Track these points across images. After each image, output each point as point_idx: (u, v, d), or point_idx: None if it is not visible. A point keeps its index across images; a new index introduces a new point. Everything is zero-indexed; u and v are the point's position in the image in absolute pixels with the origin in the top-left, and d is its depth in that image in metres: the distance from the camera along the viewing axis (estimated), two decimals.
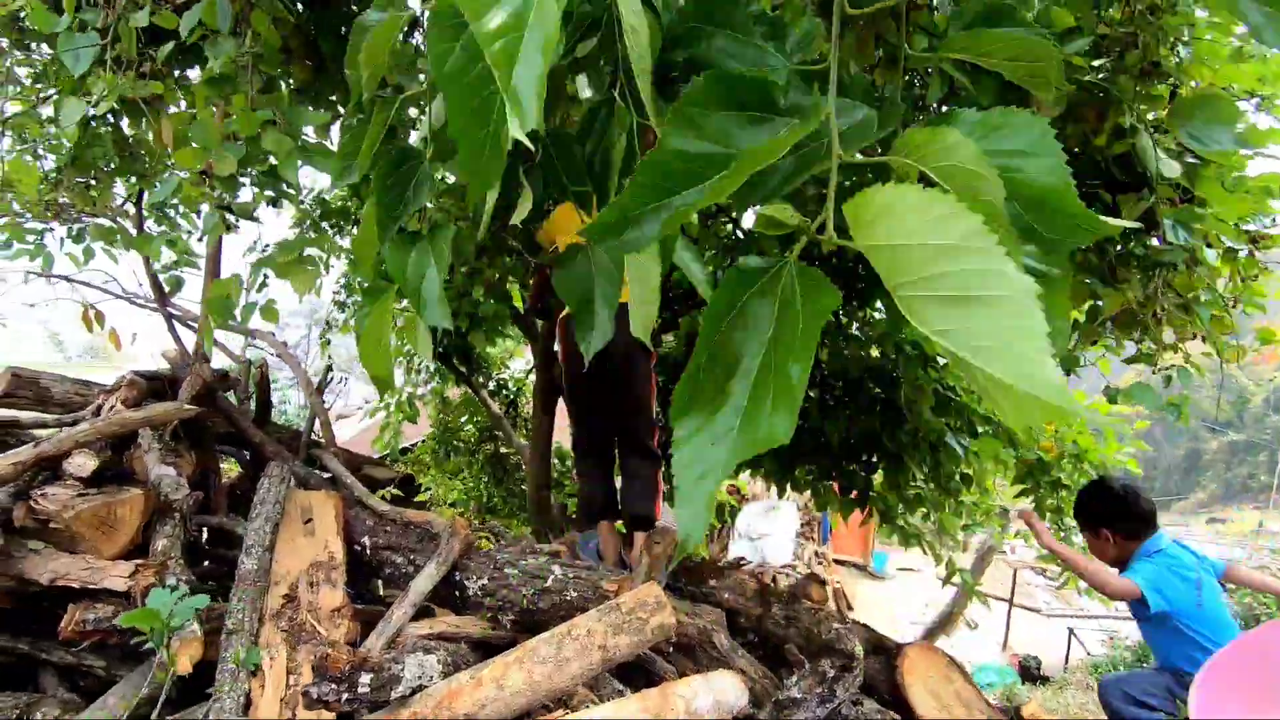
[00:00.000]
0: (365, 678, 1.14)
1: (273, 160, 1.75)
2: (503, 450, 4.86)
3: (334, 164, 1.26)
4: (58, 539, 1.53)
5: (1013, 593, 9.31)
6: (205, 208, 1.82)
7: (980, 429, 3.35)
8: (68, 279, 2.83)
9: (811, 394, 3.66)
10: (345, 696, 1.12)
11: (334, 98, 2.25)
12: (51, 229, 3.00)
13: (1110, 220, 0.62)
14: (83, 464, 1.50)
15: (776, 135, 0.63)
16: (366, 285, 1.27)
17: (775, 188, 0.68)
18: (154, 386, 1.93)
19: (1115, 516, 2.28)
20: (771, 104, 0.66)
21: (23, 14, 2.14)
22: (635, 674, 1.68)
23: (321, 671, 1.15)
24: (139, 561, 1.41)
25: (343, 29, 2.13)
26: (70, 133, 1.62)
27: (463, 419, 4.73)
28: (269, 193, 1.91)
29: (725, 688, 1.30)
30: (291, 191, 1.90)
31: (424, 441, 4.89)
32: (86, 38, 1.44)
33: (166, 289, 2.86)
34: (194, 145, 1.42)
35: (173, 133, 1.72)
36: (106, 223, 2.79)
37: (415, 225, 1.22)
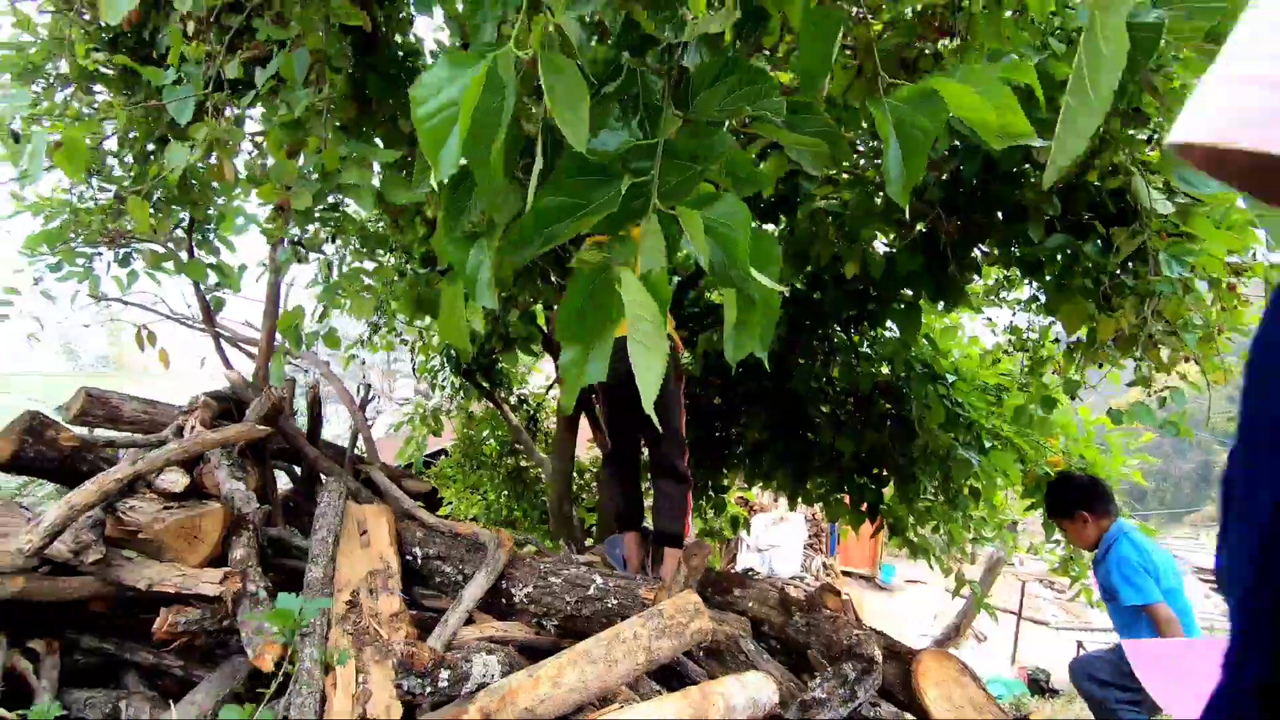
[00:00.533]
0: (444, 674, 1.28)
1: (332, 198, 1.91)
2: (523, 464, 5.00)
3: (416, 171, 1.41)
4: (145, 549, 1.67)
5: (1021, 606, 9.35)
6: (254, 237, 1.98)
7: (989, 444, 3.47)
8: (125, 301, 3.00)
9: (824, 409, 3.80)
10: (428, 689, 1.26)
11: (378, 134, 2.41)
12: (100, 253, 3.18)
13: (769, 282, 0.79)
14: (175, 480, 1.65)
15: (615, 191, 0.82)
16: (445, 273, 1.45)
17: (617, 224, 0.86)
18: (223, 407, 2.08)
19: (1089, 499, 2.58)
20: (612, 171, 0.84)
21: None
22: (669, 676, 1.81)
23: (407, 668, 1.29)
24: (227, 569, 1.56)
25: (392, 71, 2.31)
26: (173, 177, 1.76)
27: (484, 433, 4.88)
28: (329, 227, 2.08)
29: (759, 686, 1.43)
30: (351, 224, 2.06)
31: (446, 455, 5.03)
32: (187, 89, 1.59)
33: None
34: (273, 183, 1.58)
35: (233, 170, 1.89)
36: (159, 249, 2.96)
37: (472, 228, 1.40)
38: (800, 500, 4.32)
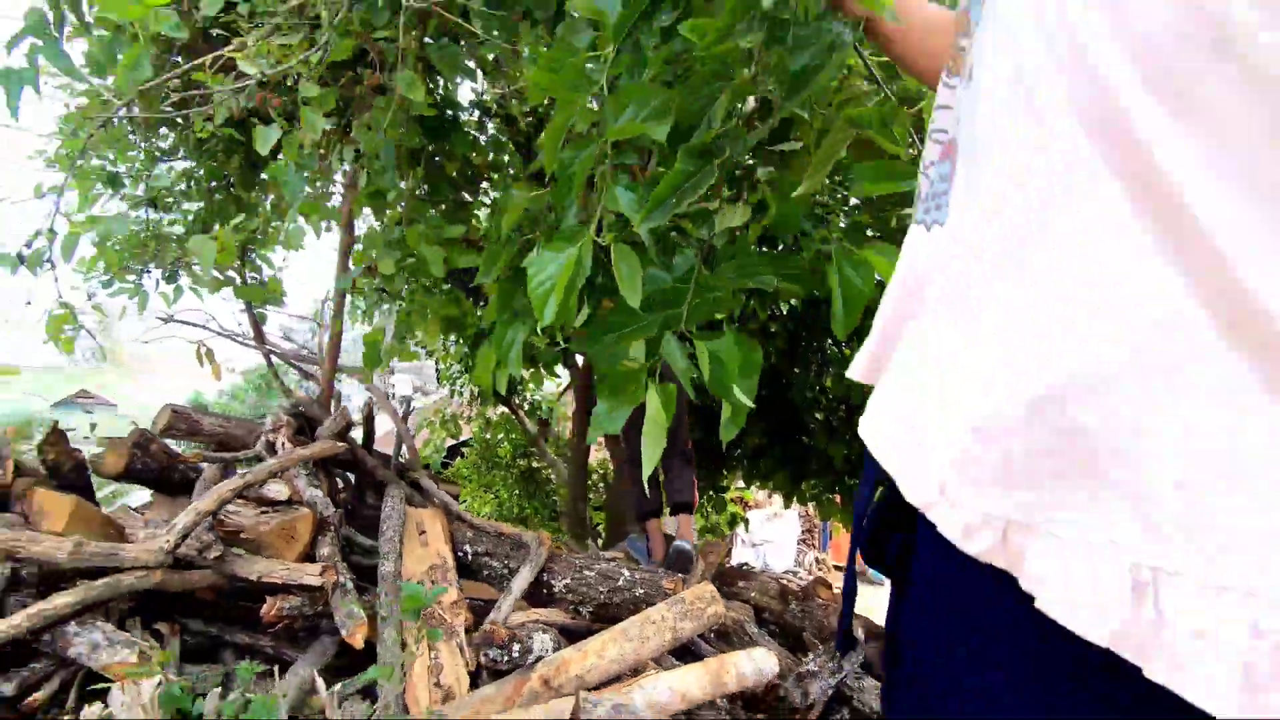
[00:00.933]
0: (516, 646, 1.60)
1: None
2: (534, 465, 5.32)
3: (482, 267, 1.72)
4: (245, 546, 1.98)
5: None
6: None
7: None
8: (185, 322, 3.29)
9: (818, 417, 4.14)
10: (505, 658, 1.58)
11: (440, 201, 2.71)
12: (149, 271, 3.47)
13: (744, 398, 1.10)
14: (279, 490, 1.96)
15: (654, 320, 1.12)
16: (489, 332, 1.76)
17: (654, 347, 1.18)
18: (299, 423, 2.39)
19: None
20: (653, 302, 1.18)
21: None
22: (686, 654, 2.13)
23: (490, 641, 1.61)
24: (323, 564, 1.87)
25: (436, 124, 2.61)
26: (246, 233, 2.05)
27: (499, 435, 5.19)
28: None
29: (763, 659, 1.76)
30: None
31: (463, 456, 5.34)
32: (300, 177, 1.88)
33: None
34: (364, 250, 1.89)
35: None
36: (218, 275, 3.25)
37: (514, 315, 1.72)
38: (795, 499, 4.66)
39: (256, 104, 1.66)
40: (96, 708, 1.22)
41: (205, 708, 1.31)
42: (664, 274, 0.99)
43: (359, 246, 2.09)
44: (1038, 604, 0.42)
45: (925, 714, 0.54)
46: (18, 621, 1.48)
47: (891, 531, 0.59)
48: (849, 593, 0.72)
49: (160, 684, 1.29)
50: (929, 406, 0.51)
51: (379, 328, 2.05)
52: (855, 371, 0.67)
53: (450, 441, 5.30)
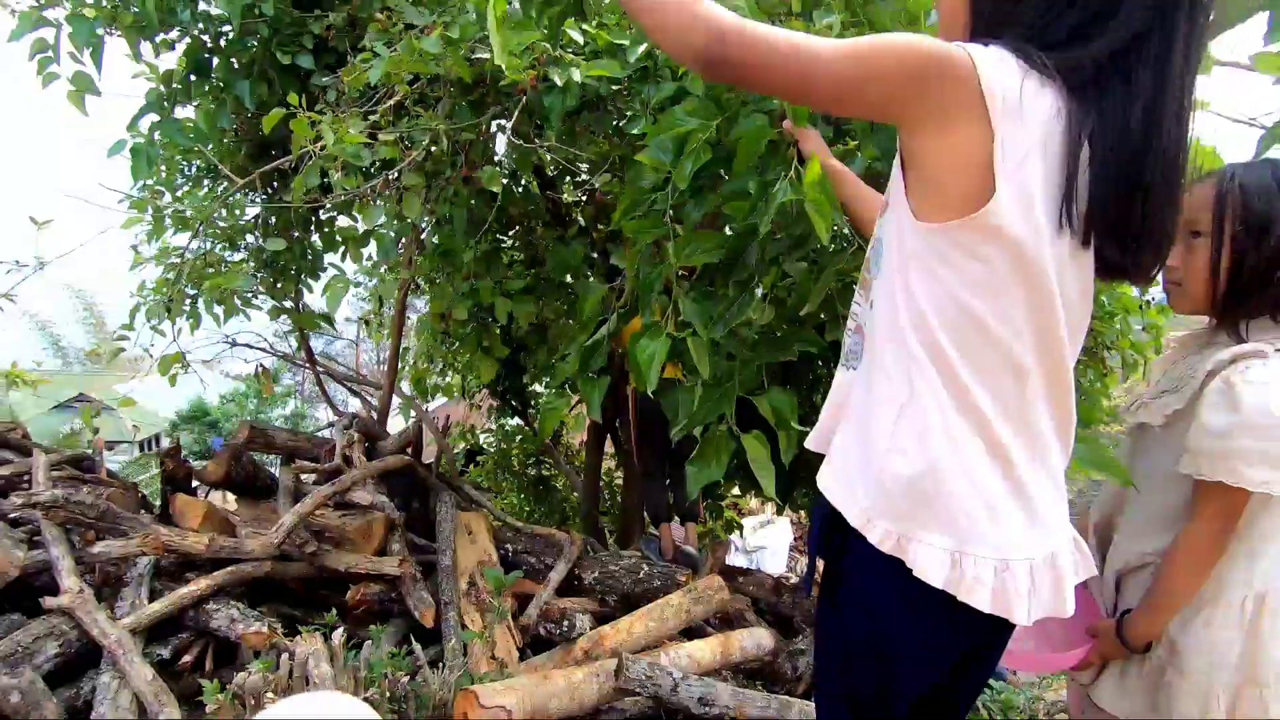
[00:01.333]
0: (565, 622, 1.99)
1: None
2: (544, 474, 5.71)
3: (566, 345, 2.10)
4: (330, 543, 2.37)
5: None
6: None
7: None
8: (249, 346, 3.68)
9: (806, 431, 4.55)
10: (557, 632, 1.98)
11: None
12: (198, 295, 3.85)
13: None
14: (363, 496, 2.36)
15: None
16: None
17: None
18: (364, 438, 2.79)
19: None
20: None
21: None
22: (694, 635, 2.54)
23: (547, 617, 2.01)
24: (400, 557, 2.26)
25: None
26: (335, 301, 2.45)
27: (513, 444, 5.59)
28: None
29: (761, 636, 2.17)
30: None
31: (479, 465, 5.74)
32: (392, 242, 2.24)
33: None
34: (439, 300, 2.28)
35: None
36: (277, 303, 3.64)
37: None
38: (787, 506, 5.07)
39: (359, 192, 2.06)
40: (302, 647, 1.60)
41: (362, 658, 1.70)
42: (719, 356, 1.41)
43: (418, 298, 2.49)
44: (914, 572, 0.84)
45: (838, 621, 0.98)
46: (174, 599, 1.87)
47: (834, 534, 0.99)
48: (808, 582, 1.13)
49: (344, 632, 1.69)
50: (853, 471, 0.92)
51: (426, 367, 2.44)
52: (810, 443, 1.08)
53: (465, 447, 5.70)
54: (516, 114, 1.78)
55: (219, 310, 3.78)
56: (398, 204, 1.95)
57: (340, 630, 1.76)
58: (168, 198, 3.57)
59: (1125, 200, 0.76)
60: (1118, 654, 1.17)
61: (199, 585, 1.93)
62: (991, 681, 2.68)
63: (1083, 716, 1.30)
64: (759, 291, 1.31)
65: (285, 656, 1.60)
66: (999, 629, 0.87)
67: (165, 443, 4.34)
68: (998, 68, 0.72)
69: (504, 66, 1.43)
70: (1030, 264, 0.76)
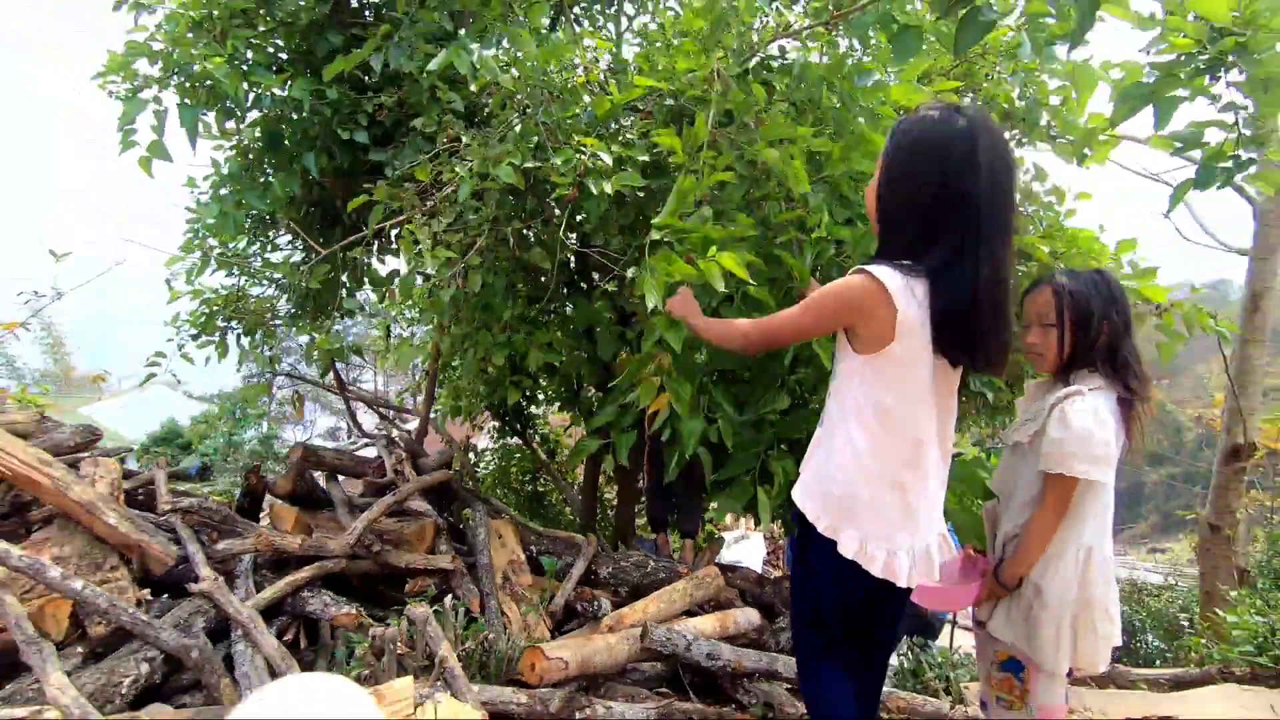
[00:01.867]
0: (594, 603, 2.47)
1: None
2: (540, 489, 6.15)
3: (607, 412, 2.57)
4: (389, 544, 2.81)
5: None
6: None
7: None
8: (287, 374, 4.09)
9: (782, 448, 5.11)
10: (589, 610, 2.45)
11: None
12: (232, 326, 4.26)
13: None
14: (419, 505, 2.80)
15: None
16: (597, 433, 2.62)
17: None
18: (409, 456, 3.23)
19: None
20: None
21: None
22: (695, 616, 3.02)
23: (581, 598, 2.48)
24: (452, 555, 2.71)
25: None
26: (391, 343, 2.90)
27: (511, 461, 6.03)
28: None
29: (751, 614, 2.67)
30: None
31: (482, 481, 6.16)
32: (451, 291, 2.71)
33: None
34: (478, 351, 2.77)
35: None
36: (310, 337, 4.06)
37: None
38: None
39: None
40: (419, 612, 2.04)
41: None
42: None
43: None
44: (838, 548, 1.41)
45: (804, 573, 1.55)
46: (280, 587, 2.31)
47: (803, 527, 1.52)
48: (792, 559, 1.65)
49: (453, 600, 2.15)
50: (812, 489, 1.49)
51: (451, 392, 2.89)
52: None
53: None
54: (564, 216, 2.31)
55: (245, 342, 4.21)
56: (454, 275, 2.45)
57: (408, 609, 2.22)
58: (212, 240, 3.99)
59: (965, 332, 1.35)
60: (997, 591, 1.71)
61: (298, 576, 2.36)
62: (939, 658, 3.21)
63: (984, 648, 1.83)
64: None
65: (404, 621, 2.05)
66: (888, 587, 1.44)
67: (131, 463, 4.56)
68: (893, 279, 1.33)
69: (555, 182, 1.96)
70: (915, 375, 1.36)
